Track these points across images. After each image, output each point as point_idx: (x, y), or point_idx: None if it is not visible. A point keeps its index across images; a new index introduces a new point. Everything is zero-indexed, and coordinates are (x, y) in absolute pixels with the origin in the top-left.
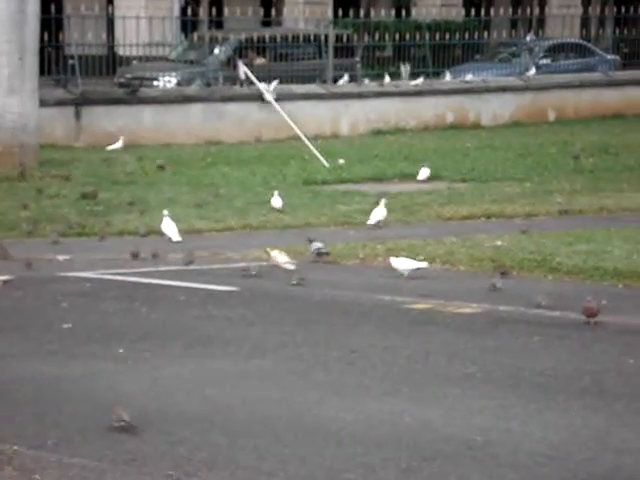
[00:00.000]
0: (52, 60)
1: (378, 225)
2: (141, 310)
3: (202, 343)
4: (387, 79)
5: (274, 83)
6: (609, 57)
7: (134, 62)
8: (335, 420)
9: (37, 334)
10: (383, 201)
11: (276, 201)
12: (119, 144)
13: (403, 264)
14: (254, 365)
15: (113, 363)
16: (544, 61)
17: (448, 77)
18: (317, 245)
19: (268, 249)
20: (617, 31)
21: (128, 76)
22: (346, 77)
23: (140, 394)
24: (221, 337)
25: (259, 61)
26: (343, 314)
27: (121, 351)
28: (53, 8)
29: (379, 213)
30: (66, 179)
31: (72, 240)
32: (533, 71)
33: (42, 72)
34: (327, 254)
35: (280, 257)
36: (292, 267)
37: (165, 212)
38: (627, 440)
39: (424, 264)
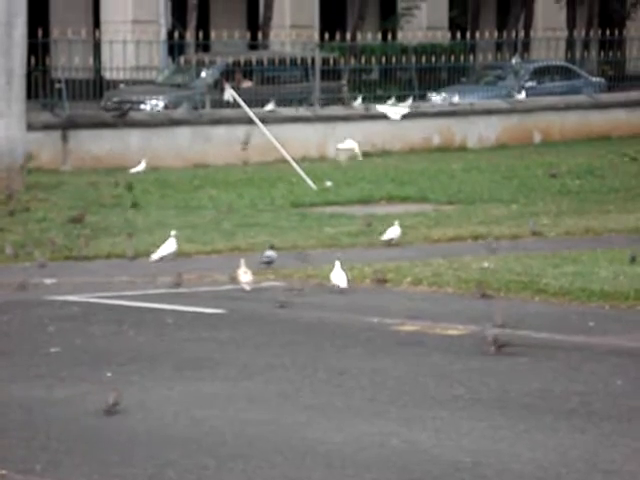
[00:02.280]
0: (39, 84)
1: (391, 242)
2: (129, 333)
3: (190, 366)
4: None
5: (270, 105)
6: (594, 79)
7: (121, 86)
8: (324, 442)
9: (24, 358)
10: (397, 222)
11: (338, 277)
12: (142, 166)
13: (339, 278)
14: (242, 387)
15: (101, 386)
16: (530, 84)
17: (439, 98)
18: (268, 254)
19: (241, 266)
20: (602, 54)
21: (115, 100)
22: (360, 100)
23: (128, 417)
24: (209, 359)
25: (246, 84)
26: (331, 336)
27: (109, 374)
28: (40, 32)
29: (394, 231)
30: (53, 203)
31: (59, 263)
32: (523, 95)
33: (29, 96)
34: (270, 263)
35: (243, 276)
36: (248, 288)
37: (172, 233)
38: (615, 461)
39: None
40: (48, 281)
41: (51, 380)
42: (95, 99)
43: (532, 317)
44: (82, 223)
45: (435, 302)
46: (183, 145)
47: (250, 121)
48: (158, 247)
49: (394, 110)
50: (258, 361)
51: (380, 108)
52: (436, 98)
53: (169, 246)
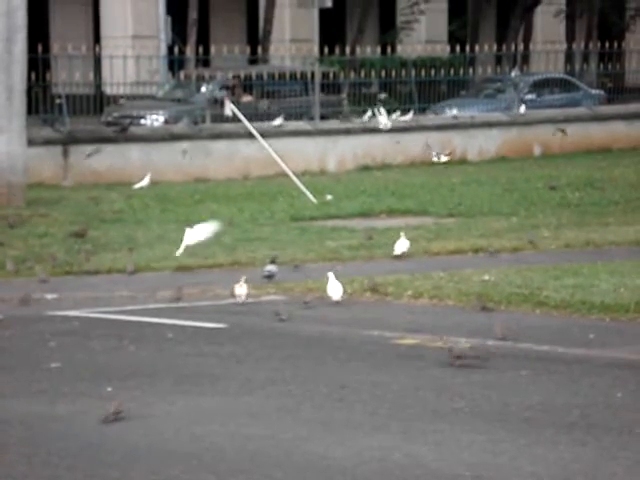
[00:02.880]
0: (40, 99)
1: (403, 256)
2: (129, 348)
3: (191, 380)
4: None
5: (279, 120)
6: (593, 92)
7: (121, 101)
8: (324, 456)
9: (25, 373)
10: (403, 233)
11: (333, 290)
12: (146, 181)
13: (334, 291)
14: (243, 402)
15: (102, 402)
16: (529, 96)
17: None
18: (268, 268)
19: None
20: (601, 66)
21: (116, 115)
22: (369, 113)
23: (129, 432)
24: (210, 374)
25: (246, 99)
26: (331, 350)
27: (110, 389)
28: (40, 48)
29: (403, 245)
30: (54, 219)
31: (60, 279)
32: (523, 108)
33: (30, 111)
34: (271, 277)
35: (238, 289)
36: (241, 300)
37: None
38: (616, 474)
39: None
40: (49, 296)
41: (52, 395)
42: (96, 114)
43: (533, 330)
44: (84, 238)
45: (436, 315)
46: (183, 160)
47: (249, 135)
48: (159, 262)
49: (385, 120)
50: (259, 375)
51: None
52: (446, 114)
53: (196, 235)
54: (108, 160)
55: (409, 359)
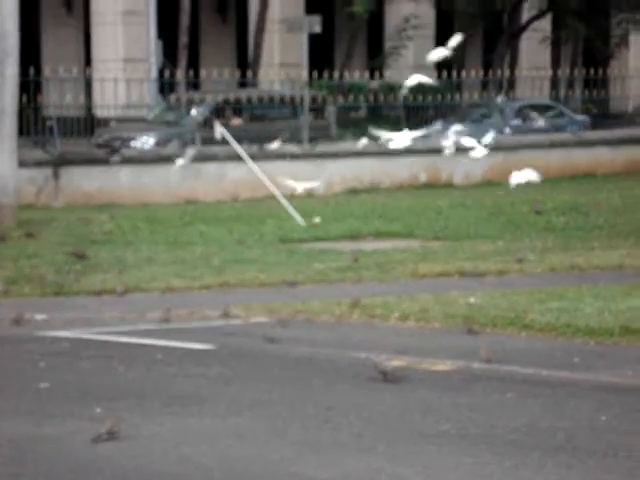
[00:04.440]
0: (31, 121)
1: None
2: (118, 369)
3: (179, 402)
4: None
5: (276, 143)
6: (578, 118)
7: (112, 123)
8: (312, 477)
9: (14, 394)
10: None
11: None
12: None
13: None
14: (231, 423)
15: (90, 423)
16: (515, 122)
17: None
18: None
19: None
20: (586, 92)
21: (106, 137)
22: (365, 140)
23: (118, 453)
24: (198, 395)
25: (236, 122)
26: (319, 371)
27: (98, 410)
28: (32, 71)
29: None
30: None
31: (50, 299)
32: (508, 132)
33: (21, 133)
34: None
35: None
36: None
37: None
38: None
39: None
40: (39, 317)
41: (40, 416)
42: (86, 136)
43: (518, 352)
44: (83, 259)
45: (422, 338)
46: (173, 182)
47: (239, 158)
48: (148, 283)
49: (400, 139)
50: (247, 397)
51: (387, 135)
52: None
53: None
54: (98, 181)
55: (396, 381)
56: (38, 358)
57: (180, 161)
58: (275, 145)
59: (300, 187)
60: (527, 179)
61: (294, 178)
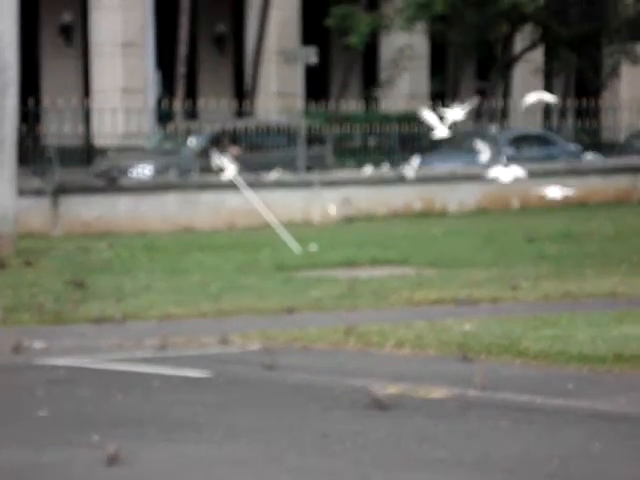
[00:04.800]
0: (30, 151)
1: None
2: (116, 397)
3: (176, 429)
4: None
5: (275, 173)
6: (571, 147)
7: (110, 152)
8: None
9: (12, 422)
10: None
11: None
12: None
13: None
14: (228, 450)
15: (89, 450)
16: (508, 151)
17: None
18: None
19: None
20: (579, 122)
21: (105, 165)
22: (369, 167)
23: None
24: (195, 423)
25: (233, 151)
26: (315, 399)
27: (97, 438)
28: (31, 101)
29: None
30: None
31: (49, 327)
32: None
33: (20, 162)
34: None
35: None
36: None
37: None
38: None
39: None
40: (37, 345)
41: (39, 444)
42: (85, 165)
43: (513, 380)
44: (83, 287)
45: (418, 365)
46: (171, 210)
47: (236, 186)
48: (146, 311)
49: (506, 173)
50: (243, 424)
51: (494, 172)
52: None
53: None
54: (97, 210)
55: (391, 409)
56: (36, 386)
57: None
58: (274, 175)
59: (333, 212)
60: (514, 175)
61: (290, 206)
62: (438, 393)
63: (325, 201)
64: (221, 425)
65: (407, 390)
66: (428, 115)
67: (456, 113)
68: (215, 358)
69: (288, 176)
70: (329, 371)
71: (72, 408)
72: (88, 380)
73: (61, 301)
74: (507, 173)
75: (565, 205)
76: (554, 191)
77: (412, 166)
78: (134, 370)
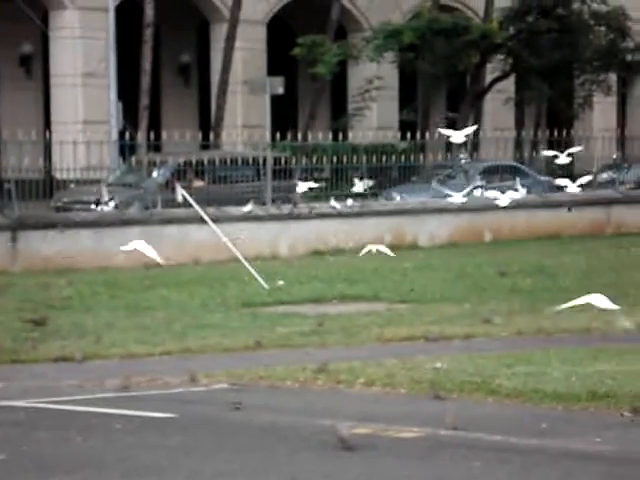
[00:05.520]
0: None
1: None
2: (76, 439)
3: (138, 472)
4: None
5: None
6: (543, 179)
7: (71, 186)
8: None
9: None
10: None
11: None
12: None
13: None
14: None
15: None
16: (479, 183)
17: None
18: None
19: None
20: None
21: (65, 200)
22: (350, 201)
23: None
24: (157, 466)
25: (197, 184)
26: (282, 440)
27: None
28: None
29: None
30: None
31: (7, 367)
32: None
33: None
34: None
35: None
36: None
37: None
38: None
39: None
40: None
41: None
42: (45, 199)
43: (485, 419)
44: (42, 325)
45: (388, 404)
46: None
47: (201, 220)
48: (107, 349)
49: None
50: (207, 467)
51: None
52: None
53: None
54: (57, 245)
55: (361, 449)
56: None
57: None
58: (248, 208)
59: (374, 248)
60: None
61: (256, 240)
62: (409, 433)
63: (294, 234)
64: (184, 469)
65: (377, 430)
66: (444, 131)
67: (458, 137)
68: (179, 398)
69: (255, 209)
70: (297, 411)
71: (31, 451)
72: (48, 422)
73: (20, 340)
74: (504, 198)
75: (538, 237)
76: (504, 200)
77: (363, 183)
78: (95, 411)
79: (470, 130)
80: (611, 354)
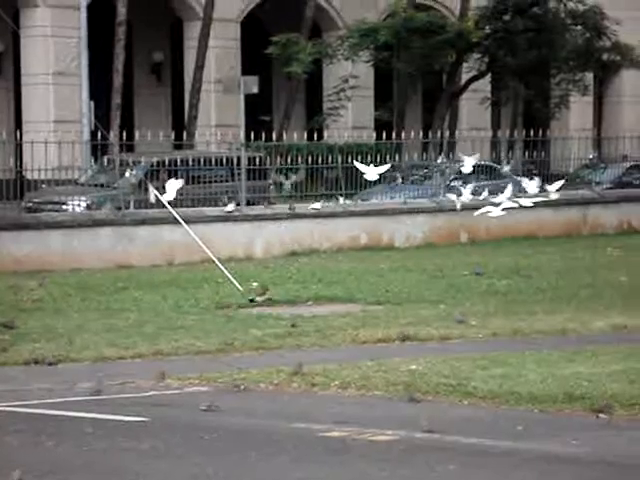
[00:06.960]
0: None
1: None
2: (47, 444)
3: (110, 477)
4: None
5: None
6: (518, 179)
7: (42, 186)
8: None
9: None
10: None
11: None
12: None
13: None
14: None
15: None
16: (455, 183)
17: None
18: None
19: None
20: (527, 153)
21: (36, 200)
22: (319, 204)
23: None
24: (129, 470)
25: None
26: (256, 444)
27: None
28: None
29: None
30: None
31: None
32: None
33: None
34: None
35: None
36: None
37: None
38: None
39: None
40: None
41: None
42: (16, 200)
43: (461, 421)
44: (12, 328)
45: (363, 406)
46: (106, 246)
47: (174, 221)
48: (79, 352)
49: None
50: (180, 472)
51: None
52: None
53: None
54: (28, 247)
55: (336, 453)
56: None
57: None
58: (230, 207)
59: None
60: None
61: (231, 241)
62: (384, 436)
63: (268, 234)
64: (157, 473)
65: (352, 433)
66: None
67: (372, 174)
68: (151, 401)
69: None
70: (271, 414)
71: (0, 455)
72: (17, 426)
73: None
74: (496, 210)
75: (514, 238)
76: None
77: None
78: (66, 415)
79: (384, 168)
80: (587, 356)
